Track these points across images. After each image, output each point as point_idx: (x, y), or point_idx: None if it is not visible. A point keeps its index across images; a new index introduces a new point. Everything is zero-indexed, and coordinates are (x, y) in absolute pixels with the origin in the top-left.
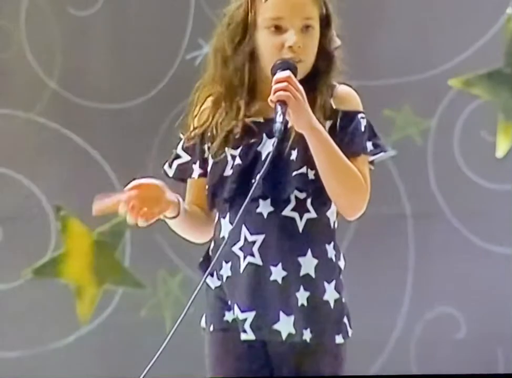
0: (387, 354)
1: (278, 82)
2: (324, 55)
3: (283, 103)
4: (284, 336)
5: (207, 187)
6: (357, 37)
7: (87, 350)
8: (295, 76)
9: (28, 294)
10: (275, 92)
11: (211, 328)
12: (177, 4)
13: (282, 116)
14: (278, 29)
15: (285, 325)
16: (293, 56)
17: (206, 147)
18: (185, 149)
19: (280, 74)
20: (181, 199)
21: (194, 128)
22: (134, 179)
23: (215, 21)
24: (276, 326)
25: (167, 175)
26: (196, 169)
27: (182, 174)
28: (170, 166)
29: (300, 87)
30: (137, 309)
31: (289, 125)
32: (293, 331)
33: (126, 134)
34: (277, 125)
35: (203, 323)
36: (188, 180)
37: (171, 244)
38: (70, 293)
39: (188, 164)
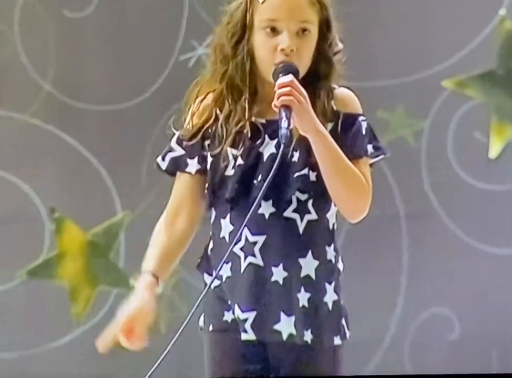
0: (381, 354)
1: (281, 86)
2: (324, 60)
3: (287, 107)
4: (284, 336)
5: (207, 185)
6: (350, 38)
7: (82, 351)
8: (298, 79)
9: (23, 295)
10: (278, 97)
11: (210, 328)
12: (171, 6)
13: (287, 122)
14: (274, 31)
15: (286, 326)
16: (285, 59)
17: (206, 144)
18: (179, 143)
19: (283, 79)
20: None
21: (195, 125)
22: (127, 180)
23: (208, 23)
24: (277, 327)
25: (160, 168)
26: (194, 165)
27: (175, 168)
28: (163, 159)
29: (304, 91)
30: None
31: (291, 126)
32: (294, 332)
33: (120, 135)
34: (283, 131)
35: (201, 322)
36: (177, 175)
37: None
38: (65, 294)
39: (182, 158)
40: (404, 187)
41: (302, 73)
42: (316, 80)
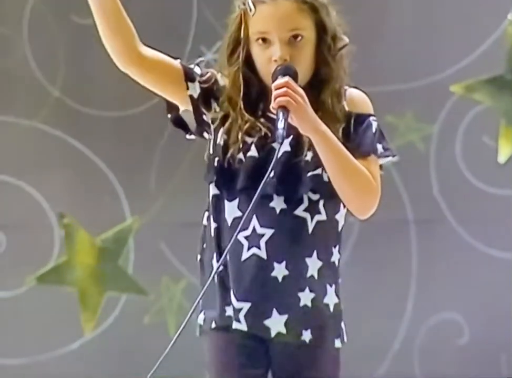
0: (390, 359)
1: (277, 88)
2: (323, 62)
3: (284, 108)
4: (272, 333)
5: (216, 160)
6: (359, 43)
7: (91, 357)
8: (296, 80)
9: (32, 301)
10: (275, 99)
11: (213, 325)
12: (179, 12)
13: (282, 122)
14: (266, 42)
15: (275, 323)
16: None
17: (215, 104)
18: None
19: (278, 81)
20: None
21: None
22: (136, 185)
23: (217, 28)
24: (267, 322)
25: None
26: (196, 88)
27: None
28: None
29: (300, 90)
30: (141, 315)
31: (285, 128)
32: (283, 330)
33: (129, 141)
34: (279, 132)
35: (200, 320)
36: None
37: (174, 251)
38: (74, 300)
39: (194, 74)
40: (413, 192)
41: (304, 78)
42: (318, 83)
